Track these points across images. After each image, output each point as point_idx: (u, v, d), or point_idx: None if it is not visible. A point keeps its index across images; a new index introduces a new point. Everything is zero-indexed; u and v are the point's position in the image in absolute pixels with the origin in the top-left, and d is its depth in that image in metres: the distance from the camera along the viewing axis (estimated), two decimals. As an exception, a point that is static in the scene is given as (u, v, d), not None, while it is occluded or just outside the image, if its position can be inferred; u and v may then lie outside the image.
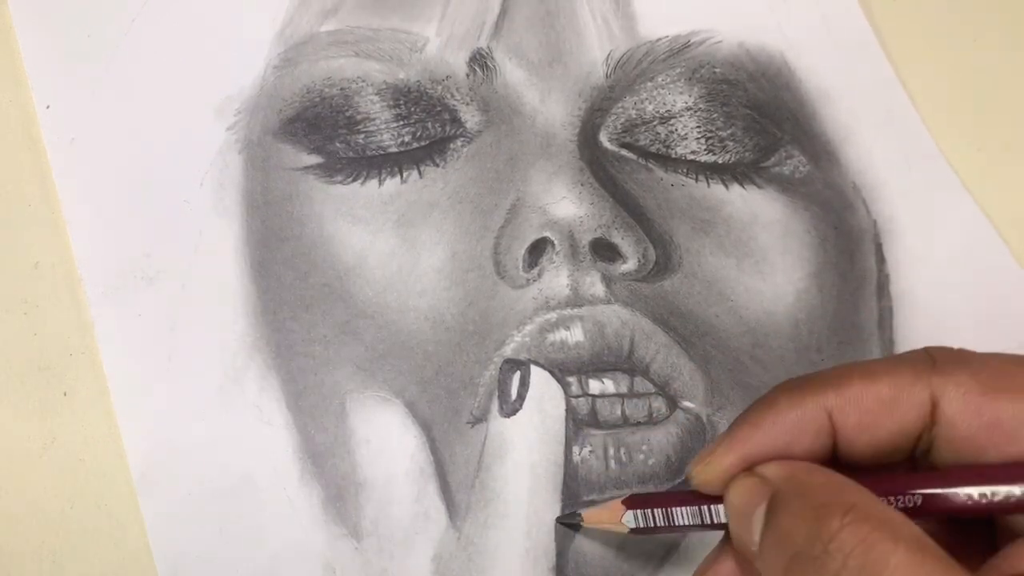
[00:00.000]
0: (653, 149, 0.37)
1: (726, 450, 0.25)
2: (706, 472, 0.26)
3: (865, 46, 0.41)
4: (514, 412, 0.32)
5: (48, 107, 0.36)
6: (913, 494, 0.24)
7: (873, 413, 0.25)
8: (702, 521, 0.26)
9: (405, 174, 0.36)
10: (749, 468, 0.25)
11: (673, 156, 0.37)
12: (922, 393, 0.24)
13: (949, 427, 0.24)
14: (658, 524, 0.28)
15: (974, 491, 0.23)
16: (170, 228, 0.34)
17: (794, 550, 0.22)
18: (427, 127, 0.36)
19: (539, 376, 0.32)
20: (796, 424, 0.25)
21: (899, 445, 0.25)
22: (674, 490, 0.32)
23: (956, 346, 0.26)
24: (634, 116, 0.38)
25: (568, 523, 0.31)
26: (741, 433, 0.25)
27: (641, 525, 0.28)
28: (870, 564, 0.21)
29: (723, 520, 0.26)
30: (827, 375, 0.25)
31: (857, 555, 0.21)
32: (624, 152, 0.37)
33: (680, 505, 0.27)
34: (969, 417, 0.24)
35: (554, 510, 0.31)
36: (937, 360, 0.25)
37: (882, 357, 0.26)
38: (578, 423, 0.32)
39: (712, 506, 0.26)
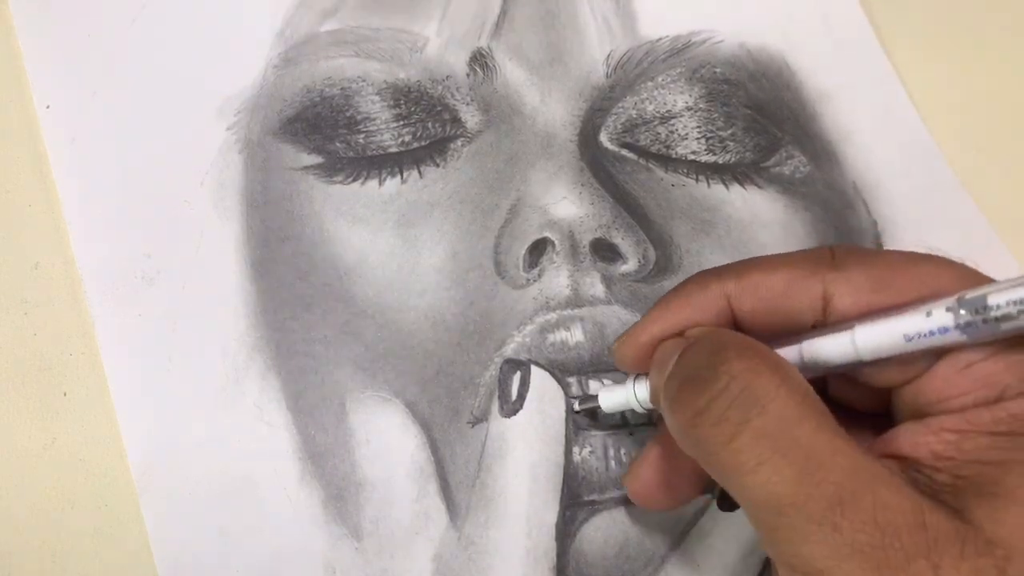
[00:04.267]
0: (653, 149, 0.37)
1: (640, 328, 0.28)
2: (624, 347, 0.28)
3: (865, 46, 0.41)
4: (514, 412, 0.32)
5: (48, 107, 0.36)
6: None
7: (766, 301, 0.26)
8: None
9: (405, 174, 0.36)
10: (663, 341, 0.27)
11: (673, 156, 0.37)
12: (815, 287, 0.25)
13: (839, 319, 0.25)
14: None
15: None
16: (170, 228, 0.34)
17: (687, 374, 0.24)
18: (427, 127, 0.36)
19: (539, 376, 0.32)
20: (700, 306, 0.27)
21: (794, 332, 0.26)
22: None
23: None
24: (634, 116, 0.38)
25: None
26: (654, 314, 0.28)
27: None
28: (752, 388, 0.22)
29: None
30: (734, 265, 0.27)
31: (742, 379, 0.23)
32: (624, 152, 0.37)
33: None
34: (858, 312, 0.25)
35: (554, 510, 0.31)
36: (836, 256, 0.26)
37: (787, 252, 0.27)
38: (578, 423, 0.32)
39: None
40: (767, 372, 0.23)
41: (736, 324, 0.27)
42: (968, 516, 0.21)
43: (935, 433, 0.23)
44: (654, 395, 0.27)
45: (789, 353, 0.26)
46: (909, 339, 0.23)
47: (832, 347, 0.25)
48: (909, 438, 0.24)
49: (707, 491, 0.29)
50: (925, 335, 0.23)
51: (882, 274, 0.25)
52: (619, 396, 0.30)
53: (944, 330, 0.23)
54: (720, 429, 0.23)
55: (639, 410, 0.29)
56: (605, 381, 0.33)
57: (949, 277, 0.24)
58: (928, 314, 0.23)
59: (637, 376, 0.29)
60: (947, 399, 0.24)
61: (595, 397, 0.31)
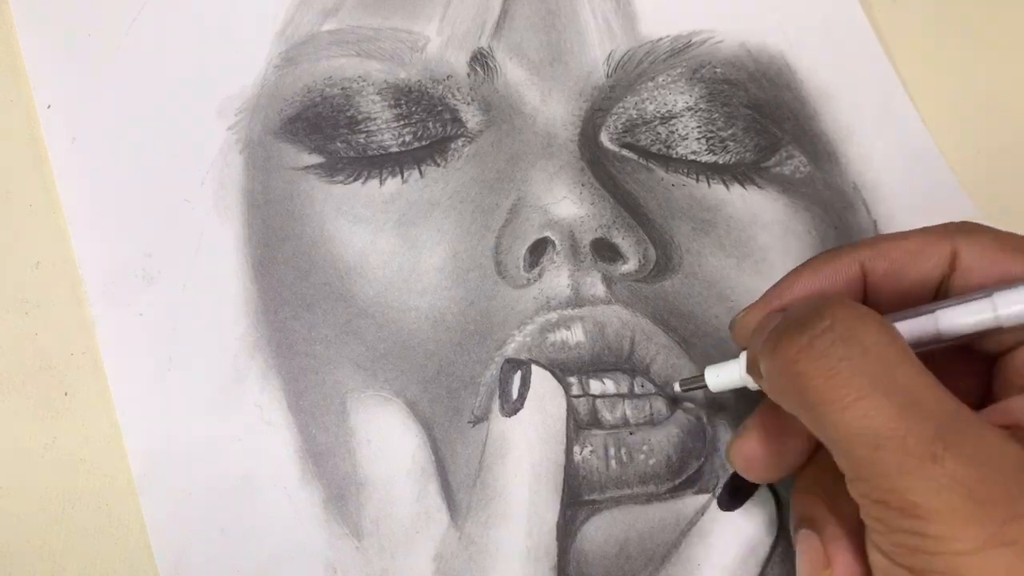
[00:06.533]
0: (654, 149, 0.37)
1: (765, 301, 0.29)
2: (747, 317, 0.29)
3: (865, 46, 0.41)
4: (515, 412, 0.32)
5: (49, 107, 0.36)
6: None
7: (900, 262, 0.27)
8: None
9: (406, 174, 0.36)
10: None
11: (674, 156, 0.37)
12: (946, 247, 0.26)
13: (965, 275, 0.26)
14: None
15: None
16: (171, 228, 0.34)
17: (792, 319, 0.24)
18: (428, 127, 0.36)
19: (540, 376, 0.32)
20: (830, 275, 0.28)
21: (921, 294, 0.27)
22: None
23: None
24: (635, 116, 0.38)
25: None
26: (780, 286, 0.28)
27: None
28: (856, 330, 0.23)
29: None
30: (863, 240, 0.28)
31: (846, 322, 0.23)
32: (625, 152, 0.37)
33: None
34: (985, 267, 0.26)
35: (555, 510, 0.31)
36: (964, 225, 0.27)
37: None
38: (579, 423, 0.32)
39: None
40: (871, 320, 0.23)
41: (866, 295, 0.27)
42: None
43: None
44: (752, 363, 0.27)
45: (925, 323, 0.26)
46: None
47: (969, 314, 0.25)
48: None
49: (710, 491, 0.30)
50: None
51: (1009, 240, 0.26)
52: (730, 372, 0.29)
53: None
54: (822, 364, 0.23)
55: (751, 387, 0.29)
56: (606, 381, 0.33)
57: None
58: None
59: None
60: None
61: (701, 378, 0.31)
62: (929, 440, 0.21)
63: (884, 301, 0.27)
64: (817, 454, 0.28)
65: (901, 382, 0.22)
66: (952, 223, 0.27)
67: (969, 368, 0.28)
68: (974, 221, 0.27)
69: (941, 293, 0.27)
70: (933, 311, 0.26)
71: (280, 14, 0.38)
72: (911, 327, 0.26)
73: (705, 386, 0.31)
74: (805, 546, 0.27)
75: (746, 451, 0.29)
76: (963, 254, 0.26)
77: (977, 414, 0.22)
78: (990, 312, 0.25)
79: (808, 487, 0.28)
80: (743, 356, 0.29)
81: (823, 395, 0.22)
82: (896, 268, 0.27)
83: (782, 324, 0.25)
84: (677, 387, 0.32)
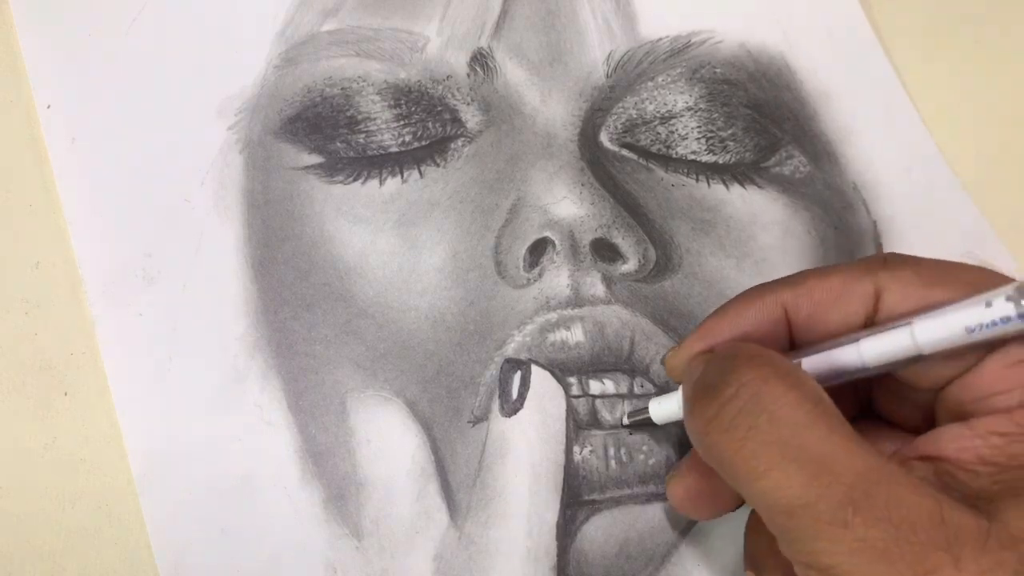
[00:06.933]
0: (654, 149, 0.37)
1: (693, 340, 0.28)
2: (675, 358, 0.29)
3: (865, 46, 0.41)
4: (515, 412, 0.32)
5: (49, 107, 0.36)
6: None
7: (823, 304, 0.27)
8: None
9: (406, 174, 0.36)
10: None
11: (674, 156, 0.37)
12: (868, 286, 0.26)
13: (889, 314, 0.26)
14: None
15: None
16: (171, 228, 0.34)
17: (703, 383, 0.25)
18: (428, 127, 0.36)
19: (540, 376, 0.32)
20: (755, 317, 0.27)
21: (847, 333, 0.26)
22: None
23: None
24: (635, 116, 0.38)
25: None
26: (707, 325, 0.28)
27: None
28: (761, 395, 0.23)
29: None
30: (788, 277, 0.28)
31: (751, 387, 0.23)
32: (625, 152, 0.37)
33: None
34: (907, 306, 0.25)
35: (554, 510, 0.31)
36: (888, 261, 0.26)
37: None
38: (578, 423, 0.32)
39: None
40: (775, 379, 0.23)
41: (792, 334, 0.27)
42: (996, 515, 0.21)
43: (982, 436, 0.23)
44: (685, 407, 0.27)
45: (847, 353, 0.26)
46: (971, 331, 0.24)
47: (891, 343, 0.25)
48: (953, 441, 0.24)
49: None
50: (987, 325, 0.23)
51: (931, 272, 0.26)
52: (671, 406, 0.30)
53: (1006, 320, 0.23)
54: (730, 435, 0.23)
55: None
56: (606, 381, 0.33)
57: (992, 277, 0.25)
58: (988, 304, 0.23)
59: None
60: (994, 395, 0.24)
61: (645, 410, 0.31)
62: (838, 505, 0.21)
63: (811, 340, 0.27)
64: None
65: (810, 447, 0.22)
66: (876, 257, 0.27)
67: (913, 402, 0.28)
68: (901, 253, 0.27)
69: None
70: (857, 340, 0.26)
71: (280, 14, 0.38)
72: (834, 358, 0.26)
73: (650, 419, 0.31)
74: None
75: (680, 492, 0.29)
76: (885, 295, 0.26)
77: (894, 467, 0.22)
78: (909, 340, 0.25)
79: (757, 525, 0.28)
80: (679, 392, 0.29)
81: (734, 467, 0.23)
82: (819, 310, 0.27)
83: (696, 387, 0.25)
84: (625, 420, 0.32)
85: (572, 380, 0.33)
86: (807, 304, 0.27)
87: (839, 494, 0.21)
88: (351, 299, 0.34)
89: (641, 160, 0.37)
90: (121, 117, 0.36)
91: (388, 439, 0.32)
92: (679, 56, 0.39)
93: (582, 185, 0.35)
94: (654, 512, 0.32)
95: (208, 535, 0.30)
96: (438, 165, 0.36)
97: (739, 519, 0.30)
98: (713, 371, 0.25)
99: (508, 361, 0.33)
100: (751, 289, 0.28)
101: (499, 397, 0.32)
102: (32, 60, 0.36)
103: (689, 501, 0.29)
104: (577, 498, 0.32)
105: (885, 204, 0.38)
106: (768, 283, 0.28)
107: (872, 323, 0.26)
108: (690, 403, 0.25)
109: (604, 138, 0.37)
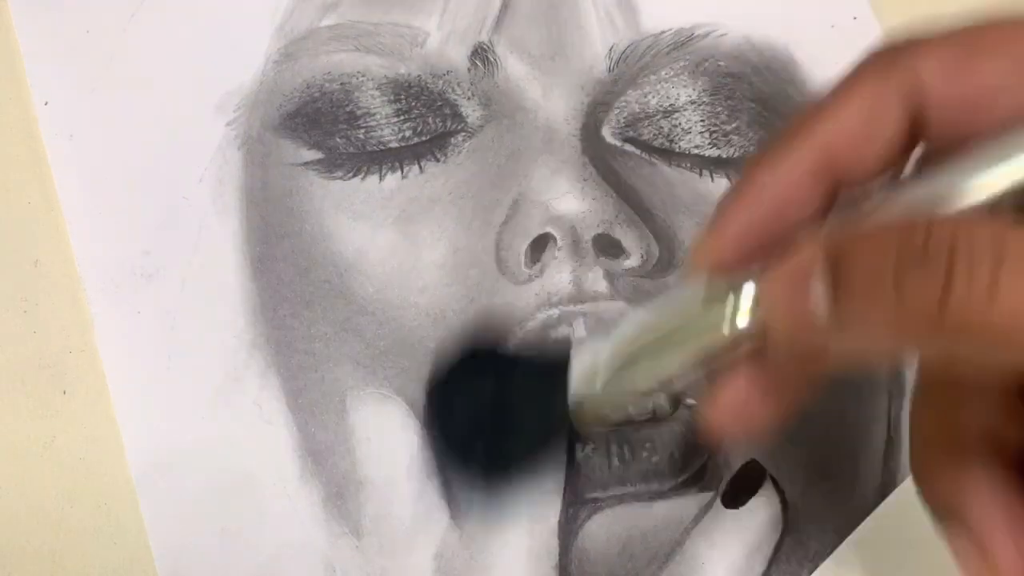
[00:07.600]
0: (656, 143, 0.37)
1: (726, 226, 0.22)
2: (706, 247, 0.22)
3: (871, 40, 0.41)
4: (516, 409, 0.32)
5: (47, 103, 0.36)
6: None
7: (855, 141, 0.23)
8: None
9: (406, 169, 0.35)
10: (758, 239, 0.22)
11: (677, 150, 0.37)
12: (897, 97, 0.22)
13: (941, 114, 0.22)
14: None
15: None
16: (169, 225, 0.34)
17: (892, 259, 0.19)
18: (428, 122, 0.36)
19: (542, 373, 0.32)
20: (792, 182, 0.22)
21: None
22: None
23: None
24: (637, 110, 0.37)
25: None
26: (736, 209, 0.22)
27: None
28: (978, 237, 0.18)
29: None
30: (798, 125, 0.23)
31: (966, 233, 0.18)
32: (627, 146, 0.37)
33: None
34: (954, 92, 0.21)
35: (556, 508, 0.31)
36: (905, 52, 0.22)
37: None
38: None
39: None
40: (981, 221, 0.19)
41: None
42: None
43: None
44: (780, 334, 0.21)
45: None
46: None
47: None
48: None
49: (714, 488, 0.29)
50: None
51: (966, 43, 0.22)
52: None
53: None
54: (974, 287, 0.18)
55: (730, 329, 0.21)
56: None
57: None
58: None
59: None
60: None
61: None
62: None
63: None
64: (922, 414, 0.23)
65: None
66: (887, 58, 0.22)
67: None
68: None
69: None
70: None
71: (279, 9, 0.38)
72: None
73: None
74: (960, 552, 0.22)
75: (732, 396, 0.23)
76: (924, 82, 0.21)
77: None
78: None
79: (937, 459, 0.23)
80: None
81: (993, 320, 0.18)
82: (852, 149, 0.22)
83: (880, 265, 0.19)
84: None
85: (574, 378, 0.32)
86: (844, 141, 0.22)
87: None
88: (351, 296, 0.33)
89: (644, 155, 0.37)
90: (119, 114, 0.36)
91: (388, 437, 0.32)
92: (682, 49, 0.38)
93: (584, 180, 0.35)
94: (657, 510, 0.32)
95: (207, 534, 0.30)
96: (438, 161, 0.36)
97: (742, 517, 0.30)
98: (892, 241, 0.19)
99: (509, 358, 0.33)
100: (760, 155, 0.23)
101: (500, 395, 0.32)
102: (30, 56, 0.36)
103: (742, 407, 0.23)
104: (579, 496, 0.31)
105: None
106: (777, 144, 0.23)
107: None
108: (891, 284, 0.19)
109: (606, 132, 0.37)
